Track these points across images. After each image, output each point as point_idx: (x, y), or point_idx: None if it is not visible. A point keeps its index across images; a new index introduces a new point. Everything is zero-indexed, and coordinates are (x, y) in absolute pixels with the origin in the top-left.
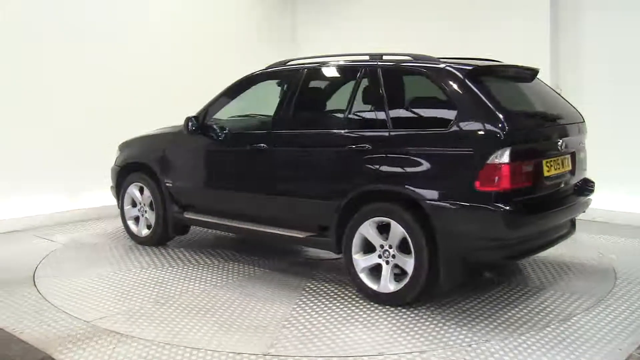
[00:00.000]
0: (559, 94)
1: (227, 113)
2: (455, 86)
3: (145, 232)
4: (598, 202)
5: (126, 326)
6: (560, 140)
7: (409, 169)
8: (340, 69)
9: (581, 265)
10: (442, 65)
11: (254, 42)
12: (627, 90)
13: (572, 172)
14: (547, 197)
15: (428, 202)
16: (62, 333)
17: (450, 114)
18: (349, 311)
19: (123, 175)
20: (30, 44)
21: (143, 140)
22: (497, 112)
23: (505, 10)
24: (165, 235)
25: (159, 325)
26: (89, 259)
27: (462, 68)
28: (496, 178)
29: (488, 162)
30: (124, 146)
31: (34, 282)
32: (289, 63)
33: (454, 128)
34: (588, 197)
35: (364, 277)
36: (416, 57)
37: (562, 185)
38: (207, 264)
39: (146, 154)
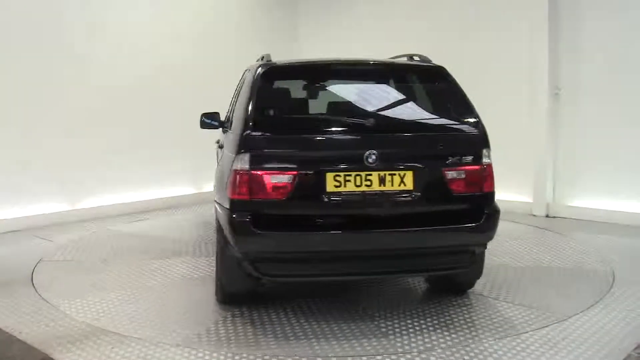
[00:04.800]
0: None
1: None
2: (249, 86)
3: None
4: (598, 202)
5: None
6: (368, 153)
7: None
8: None
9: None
10: (257, 65)
11: (254, 42)
12: (627, 90)
13: (410, 193)
14: (318, 215)
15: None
16: (61, 333)
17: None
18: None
19: None
20: (30, 45)
21: None
22: (250, 113)
23: (505, 10)
24: None
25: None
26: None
27: (261, 68)
28: (235, 186)
29: (231, 167)
30: None
31: (33, 283)
32: None
33: (226, 128)
34: (437, 231)
35: None
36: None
37: (370, 207)
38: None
39: None
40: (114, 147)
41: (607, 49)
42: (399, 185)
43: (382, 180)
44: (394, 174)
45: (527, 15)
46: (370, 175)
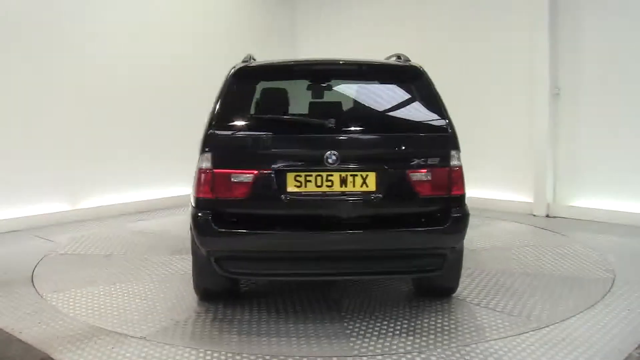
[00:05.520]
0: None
1: None
2: (220, 87)
3: None
4: (598, 202)
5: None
6: (328, 153)
7: None
8: None
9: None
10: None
11: (254, 42)
12: (627, 91)
13: (372, 194)
14: (278, 215)
15: None
16: (61, 333)
17: None
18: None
19: None
20: (31, 45)
21: None
22: (215, 113)
23: (505, 10)
24: None
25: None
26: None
27: (233, 69)
28: (199, 185)
29: (197, 166)
30: None
31: (33, 282)
32: None
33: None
34: (400, 233)
35: None
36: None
37: (331, 207)
38: None
39: None
40: (114, 147)
41: (607, 49)
42: (361, 187)
43: (343, 181)
44: (356, 175)
45: (526, 15)
46: (332, 176)
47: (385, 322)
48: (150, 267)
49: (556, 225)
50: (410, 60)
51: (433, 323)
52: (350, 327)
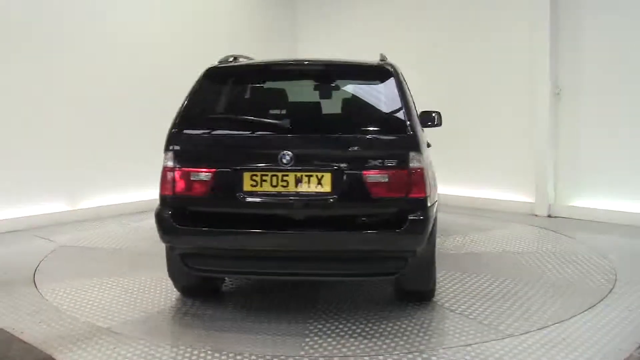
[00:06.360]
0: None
1: None
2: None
3: None
4: (600, 202)
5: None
6: (282, 153)
7: None
8: None
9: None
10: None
11: (253, 42)
12: (627, 90)
13: (327, 195)
14: (236, 214)
15: None
16: (62, 333)
17: None
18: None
19: None
20: (31, 46)
21: None
22: (179, 112)
23: (505, 10)
24: None
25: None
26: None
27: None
28: (163, 182)
29: (162, 164)
30: None
31: (34, 282)
32: None
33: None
34: (350, 235)
35: None
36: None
37: (286, 207)
38: None
39: None
40: (115, 147)
41: (607, 49)
42: (317, 187)
43: (298, 182)
44: (311, 176)
45: (527, 15)
46: (287, 176)
47: (350, 324)
48: (152, 267)
49: (557, 225)
50: (385, 60)
51: (405, 326)
52: (312, 327)
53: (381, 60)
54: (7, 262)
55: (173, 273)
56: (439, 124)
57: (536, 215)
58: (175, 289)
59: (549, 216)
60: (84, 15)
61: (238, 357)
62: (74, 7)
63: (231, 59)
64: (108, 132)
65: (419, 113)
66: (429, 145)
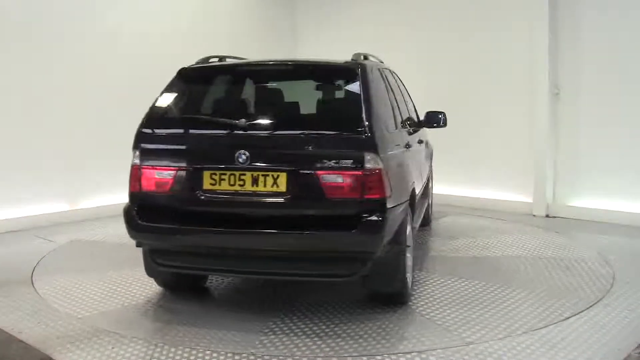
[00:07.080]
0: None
1: None
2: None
3: None
4: (598, 202)
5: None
6: (238, 153)
7: None
8: None
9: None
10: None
11: (253, 42)
12: (627, 90)
13: (282, 195)
14: (193, 211)
15: None
16: (61, 333)
17: None
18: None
19: None
20: (31, 46)
21: None
22: (148, 112)
23: (505, 10)
24: None
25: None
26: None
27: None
28: (131, 180)
29: (131, 162)
30: None
31: (33, 282)
32: None
33: None
34: (302, 235)
35: None
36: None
37: (242, 206)
38: None
39: None
40: (115, 146)
41: (607, 49)
42: (272, 187)
43: (255, 181)
44: (267, 175)
45: (527, 15)
46: (244, 175)
47: (312, 324)
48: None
49: (556, 225)
50: (368, 59)
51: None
52: (274, 325)
53: (353, 59)
54: (7, 262)
55: (146, 268)
56: (445, 125)
57: (534, 215)
58: (157, 286)
59: (547, 216)
60: (84, 15)
61: (193, 352)
62: (74, 7)
63: (215, 60)
64: (108, 132)
65: (424, 113)
66: (421, 143)
